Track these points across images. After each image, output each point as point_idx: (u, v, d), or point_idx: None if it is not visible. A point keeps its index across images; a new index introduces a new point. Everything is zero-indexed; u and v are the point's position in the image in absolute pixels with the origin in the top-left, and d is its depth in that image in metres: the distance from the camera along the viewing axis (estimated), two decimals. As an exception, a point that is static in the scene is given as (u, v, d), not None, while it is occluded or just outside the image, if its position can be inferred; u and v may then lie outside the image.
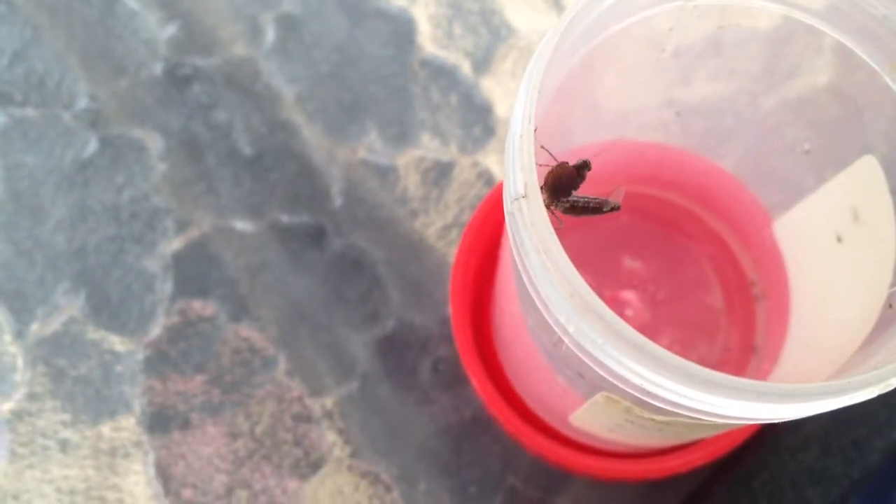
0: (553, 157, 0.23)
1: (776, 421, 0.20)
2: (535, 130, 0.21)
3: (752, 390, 0.18)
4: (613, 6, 0.22)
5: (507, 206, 0.20)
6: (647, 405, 0.22)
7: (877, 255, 0.25)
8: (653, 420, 0.24)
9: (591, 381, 0.24)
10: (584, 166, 0.22)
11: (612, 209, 0.24)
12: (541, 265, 0.20)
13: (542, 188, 0.23)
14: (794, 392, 0.18)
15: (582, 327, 0.19)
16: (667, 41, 0.26)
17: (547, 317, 0.20)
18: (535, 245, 0.20)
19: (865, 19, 0.23)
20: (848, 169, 0.26)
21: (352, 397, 0.35)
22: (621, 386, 0.20)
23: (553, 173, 0.22)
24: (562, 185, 0.22)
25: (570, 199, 0.23)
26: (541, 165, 0.23)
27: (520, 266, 0.21)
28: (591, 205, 0.23)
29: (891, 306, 0.23)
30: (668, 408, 0.20)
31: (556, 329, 0.20)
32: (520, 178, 0.20)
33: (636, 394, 0.20)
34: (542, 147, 0.22)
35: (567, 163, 0.23)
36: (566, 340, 0.20)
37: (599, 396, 0.24)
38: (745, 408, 0.19)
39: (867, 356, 0.22)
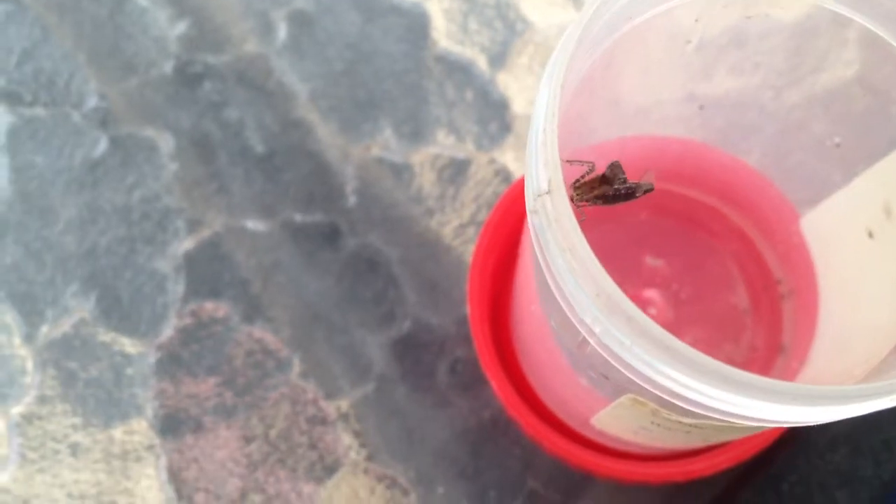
0: (583, 164, 0.22)
1: (811, 424, 0.19)
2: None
3: (788, 392, 0.18)
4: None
5: (530, 204, 0.20)
6: (675, 407, 0.21)
7: (911, 252, 0.24)
8: (680, 423, 0.23)
9: (616, 384, 0.23)
10: (615, 172, 0.22)
11: (647, 191, 0.23)
12: (566, 264, 0.19)
13: (572, 185, 0.22)
14: (832, 394, 0.18)
15: (609, 328, 0.19)
16: (692, 33, 0.25)
17: (571, 318, 0.20)
18: (559, 244, 0.19)
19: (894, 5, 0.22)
20: (880, 162, 0.26)
21: (367, 399, 0.34)
22: (649, 388, 0.19)
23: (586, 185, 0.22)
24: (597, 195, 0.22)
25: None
26: (568, 162, 0.22)
27: (543, 266, 0.20)
28: (622, 192, 0.22)
29: (927, 304, 0.22)
30: (698, 410, 0.19)
31: (581, 330, 0.20)
32: (543, 174, 0.19)
33: (665, 396, 0.19)
34: (568, 162, 0.22)
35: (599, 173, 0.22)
36: (592, 342, 0.20)
37: (625, 399, 0.23)
38: (780, 411, 0.18)
39: (904, 356, 0.21)
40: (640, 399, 0.23)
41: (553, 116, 0.19)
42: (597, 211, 0.25)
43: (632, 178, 0.24)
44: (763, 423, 0.19)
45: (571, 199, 0.22)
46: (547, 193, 0.19)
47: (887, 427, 0.30)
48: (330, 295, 0.36)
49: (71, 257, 0.36)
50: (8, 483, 0.34)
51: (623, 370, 0.19)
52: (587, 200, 0.22)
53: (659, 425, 0.24)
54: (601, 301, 0.18)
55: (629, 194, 0.22)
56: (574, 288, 0.19)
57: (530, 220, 0.20)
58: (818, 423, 0.18)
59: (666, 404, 0.22)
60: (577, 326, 0.20)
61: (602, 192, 0.22)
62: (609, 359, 0.19)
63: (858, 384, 0.18)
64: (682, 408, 0.19)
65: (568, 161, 0.22)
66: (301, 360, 0.35)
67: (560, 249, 0.19)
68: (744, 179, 0.31)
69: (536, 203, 0.19)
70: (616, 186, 0.22)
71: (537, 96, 0.20)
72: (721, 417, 0.19)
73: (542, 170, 0.19)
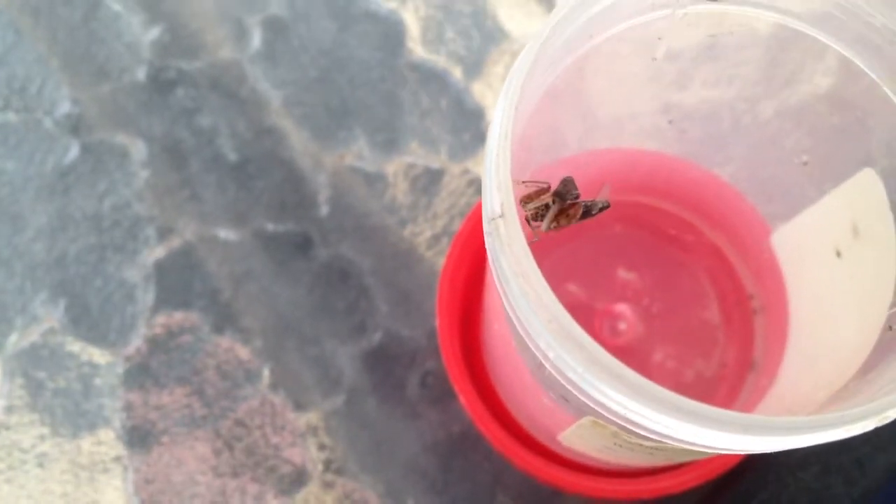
0: (538, 185, 0.22)
1: (765, 452, 0.19)
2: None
3: (738, 423, 0.17)
4: (595, 17, 0.21)
5: (485, 227, 0.19)
6: (633, 432, 0.21)
7: (877, 273, 0.24)
8: (641, 445, 0.23)
9: (575, 406, 0.23)
10: (567, 188, 0.21)
11: (602, 208, 0.23)
12: (519, 289, 0.19)
13: (523, 202, 0.22)
14: (783, 425, 0.17)
15: (562, 354, 0.18)
16: (656, 49, 0.25)
17: (527, 341, 0.19)
18: (512, 268, 0.19)
19: (863, 28, 0.22)
20: (847, 182, 0.25)
21: (337, 412, 0.34)
22: (604, 413, 0.19)
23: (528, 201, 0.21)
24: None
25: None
26: (523, 182, 0.22)
27: (499, 289, 0.20)
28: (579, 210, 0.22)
29: (891, 328, 0.22)
30: (652, 436, 0.19)
31: (537, 354, 0.19)
32: (496, 197, 0.19)
33: (620, 422, 0.19)
34: (523, 182, 0.21)
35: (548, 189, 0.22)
36: (547, 366, 0.19)
37: (585, 420, 0.23)
38: (730, 440, 0.18)
39: (866, 383, 0.21)
40: (600, 421, 0.22)
41: (506, 139, 0.19)
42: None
43: (592, 195, 0.24)
44: (717, 451, 0.19)
45: (527, 220, 0.21)
46: (500, 217, 0.19)
47: (858, 446, 0.30)
48: (301, 305, 0.35)
49: (40, 265, 0.36)
50: (-26, 494, 0.33)
51: (578, 395, 0.19)
52: (544, 225, 0.22)
53: (621, 446, 0.24)
54: (553, 328, 0.18)
55: (585, 213, 0.22)
56: (528, 313, 0.19)
57: (486, 242, 0.20)
58: (769, 451, 0.18)
59: (624, 428, 0.21)
60: (534, 350, 0.19)
61: (557, 210, 0.21)
62: (564, 383, 0.19)
63: (810, 415, 0.17)
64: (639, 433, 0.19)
65: (524, 182, 0.21)
66: (271, 372, 0.34)
67: (513, 274, 0.19)
68: (716, 193, 0.31)
69: (491, 226, 0.19)
70: (570, 203, 0.21)
71: (493, 117, 0.20)
72: (676, 444, 0.19)
73: (495, 193, 0.19)
